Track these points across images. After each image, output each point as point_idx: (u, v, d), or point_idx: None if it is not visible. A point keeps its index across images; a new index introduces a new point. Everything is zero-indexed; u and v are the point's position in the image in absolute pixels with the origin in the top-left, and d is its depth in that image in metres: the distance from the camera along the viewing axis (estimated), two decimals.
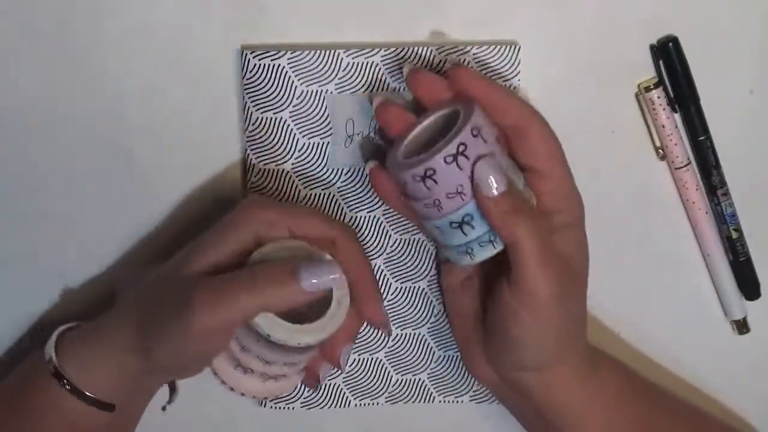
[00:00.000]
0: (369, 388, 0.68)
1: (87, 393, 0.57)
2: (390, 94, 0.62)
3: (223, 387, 0.58)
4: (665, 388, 0.66)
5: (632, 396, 0.62)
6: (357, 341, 0.66)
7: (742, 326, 0.69)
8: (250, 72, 0.62)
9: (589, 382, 0.60)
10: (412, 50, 0.62)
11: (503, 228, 0.54)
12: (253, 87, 0.62)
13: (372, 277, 0.60)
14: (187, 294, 0.54)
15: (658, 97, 0.64)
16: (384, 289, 0.66)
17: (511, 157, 0.57)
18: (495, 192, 0.54)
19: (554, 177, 0.57)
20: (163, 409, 0.64)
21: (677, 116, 0.65)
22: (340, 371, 0.65)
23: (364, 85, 0.62)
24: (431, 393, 0.68)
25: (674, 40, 0.63)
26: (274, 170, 0.63)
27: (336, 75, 0.62)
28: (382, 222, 0.65)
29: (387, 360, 0.67)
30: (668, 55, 0.64)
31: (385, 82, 0.62)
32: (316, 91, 0.62)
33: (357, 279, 0.58)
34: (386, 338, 0.67)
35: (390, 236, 0.65)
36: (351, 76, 0.62)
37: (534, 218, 0.55)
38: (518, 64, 0.63)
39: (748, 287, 0.68)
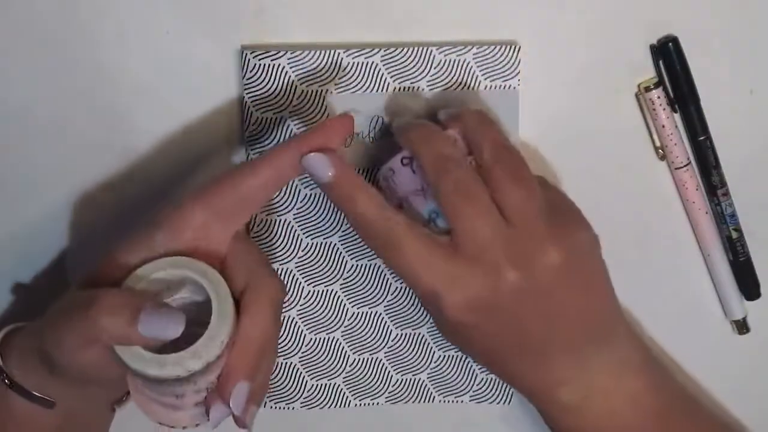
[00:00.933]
0: (369, 388, 0.68)
1: (30, 390, 0.57)
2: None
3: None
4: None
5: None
6: (358, 341, 0.67)
7: (742, 326, 0.69)
8: (250, 72, 0.62)
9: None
10: (412, 50, 0.62)
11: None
12: (253, 87, 0.62)
13: (253, 353, 0.54)
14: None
15: (658, 97, 0.64)
16: (384, 289, 0.66)
17: None
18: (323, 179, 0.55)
19: None
20: (113, 410, 0.62)
21: (677, 116, 0.65)
22: (237, 419, 0.55)
23: (364, 85, 0.62)
24: (431, 393, 0.68)
25: (674, 40, 0.63)
26: None
27: (336, 75, 0.62)
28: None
29: (387, 360, 0.67)
30: (668, 55, 0.64)
31: (385, 82, 0.62)
32: (316, 91, 0.62)
33: (240, 350, 0.54)
34: (386, 338, 0.67)
35: None
36: (351, 76, 0.62)
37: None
38: (518, 64, 0.63)
39: (748, 287, 0.68)
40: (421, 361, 0.67)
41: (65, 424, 0.59)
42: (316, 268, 0.65)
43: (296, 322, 0.66)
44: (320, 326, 0.66)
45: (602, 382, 0.59)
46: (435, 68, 0.62)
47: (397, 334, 0.67)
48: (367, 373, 0.67)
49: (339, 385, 0.67)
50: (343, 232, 0.65)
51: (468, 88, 0.63)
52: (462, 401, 0.68)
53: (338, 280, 0.66)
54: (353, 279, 0.66)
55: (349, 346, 0.67)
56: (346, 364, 0.67)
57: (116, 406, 0.62)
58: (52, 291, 0.63)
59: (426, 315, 0.66)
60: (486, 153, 0.57)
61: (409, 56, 0.62)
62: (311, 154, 0.55)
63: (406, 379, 0.68)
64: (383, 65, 0.62)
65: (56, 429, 0.58)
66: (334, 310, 0.66)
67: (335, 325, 0.66)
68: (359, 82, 0.62)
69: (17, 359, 0.58)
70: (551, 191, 0.60)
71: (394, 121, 0.61)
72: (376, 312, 0.66)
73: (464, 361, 0.67)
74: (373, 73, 0.62)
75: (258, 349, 0.54)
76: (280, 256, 0.65)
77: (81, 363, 0.54)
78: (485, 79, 0.63)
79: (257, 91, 0.62)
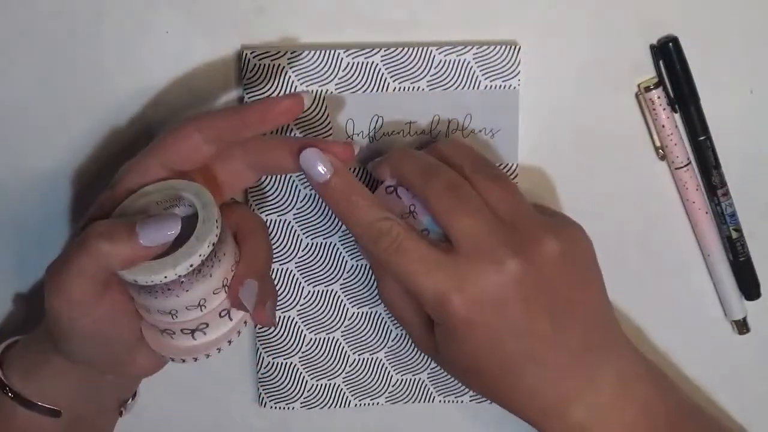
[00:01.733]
0: (369, 388, 0.68)
1: (33, 401, 0.57)
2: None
3: (175, 363, 0.56)
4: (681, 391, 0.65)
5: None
6: (358, 341, 0.67)
7: (742, 326, 0.69)
8: (250, 72, 0.62)
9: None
10: (412, 50, 0.62)
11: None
12: (253, 87, 0.62)
13: (264, 277, 0.57)
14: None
15: (658, 97, 0.64)
16: None
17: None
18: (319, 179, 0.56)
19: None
20: (120, 414, 0.63)
21: (677, 116, 0.65)
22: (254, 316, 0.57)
23: (364, 85, 0.62)
24: (431, 393, 0.68)
25: (674, 40, 0.63)
26: None
27: (336, 75, 0.62)
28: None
29: (387, 360, 0.67)
30: (668, 55, 0.64)
31: (385, 82, 0.62)
32: (316, 91, 0.62)
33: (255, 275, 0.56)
34: (386, 338, 0.67)
35: None
36: (351, 76, 0.62)
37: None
38: (518, 64, 0.63)
39: (748, 287, 0.68)
40: (421, 361, 0.67)
41: (71, 430, 0.59)
42: (316, 268, 0.65)
43: (296, 322, 0.66)
44: (320, 326, 0.66)
45: (611, 394, 0.57)
46: (435, 68, 0.62)
47: (397, 334, 0.67)
48: (367, 373, 0.67)
49: (339, 385, 0.67)
50: (343, 232, 0.65)
51: (468, 88, 0.63)
52: (462, 401, 0.68)
53: (338, 280, 0.66)
54: (353, 279, 0.66)
55: (349, 346, 0.67)
56: (346, 364, 0.67)
57: (123, 409, 0.62)
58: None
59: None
60: (467, 167, 0.58)
61: (409, 56, 0.62)
62: (309, 149, 0.55)
63: (406, 379, 0.68)
64: (383, 65, 0.62)
65: None
66: (334, 310, 0.66)
67: (335, 325, 0.66)
68: (359, 82, 0.62)
69: (20, 370, 0.58)
70: (535, 203, 0.61)
71: (369, 164, 0.61)
72: (376, 312, 0.66)
73: None
74: (373, 73, 0.62)
75: (262, 270, 0.56)
76: (280, 256, 0.65)
77: (92, 314, 0.53)
78: (485, 79, 0.63)
79: (257, 91, 0.62)
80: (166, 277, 0.53)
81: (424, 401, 0.68)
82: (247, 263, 0.56)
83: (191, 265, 0.53)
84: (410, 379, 0.68)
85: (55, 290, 0.53)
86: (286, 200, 0.64)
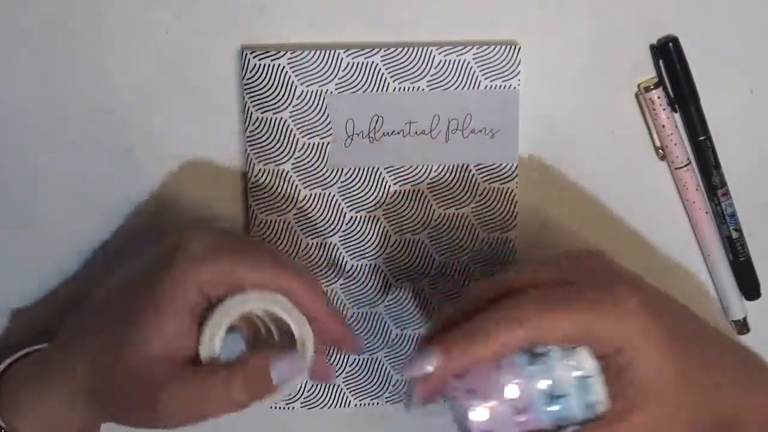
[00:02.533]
0: (369, 388, 0.68)
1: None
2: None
3: None
4: None
5: None
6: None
7: (742, 326, 0.69)
8: (250, 72, 0.62)
9: None
10: (412, 50, 0.62)
11: None
12: (253, 87, 0.62)
13: (333, 323, 0.58)
14: (153, 390, 0.53)
15: (658, 97, 0.64)
16: (384, 290, 0.66)
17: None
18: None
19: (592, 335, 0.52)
20: None
21: (677, 116, 0.65)
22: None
23: (364, 85, 0.62)
24: None
25: (674, 40, 0.63)
26: (274, 170, 0.63)
27: (336, 75, 0.62)
28: (382, 222, 0.65)
29: (387, 360, 0.67)
30: (668, 55, 0.64)
31: (385, 82, 0.62)
32: (316, 91, 0.62)
33: (319, 328, 0.57)
34: (386, 338, 0.67)
35: (390, 236, 0.65)
36: (351, 76, 0.62)
37: None
38: (518, 64, 0.63)
39: (748, 287, 0.68)
40: None
41: None
42: (316, 267, 0.65)
43: None
44: None
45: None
46: (435, 68, 0.62)
47: (397, 334, 0.67)
48: (367, 373, 0.67)
49: (339, 385, 0.67)
50: (343, 232, 0.65)
51: (468, 88, 0.63)
52: None
53: (338, 280, 0.66)
54: (353, 279, 0.66)
55: None
56: (346, 364, 0.67)
57: None
58: (56, 312, 0.63)
59: (426, 315, 0.66)
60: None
61: (409, 56, 0.62)
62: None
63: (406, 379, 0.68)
64: (383, 65, 0.62)
65: None
66: None
67: None
68: (359, 82, 0.62)
69: (13, 404, 0.56)
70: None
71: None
72: (376, 312, 0.66)
73: None
74: (373, 73, 0.62)
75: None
76: None
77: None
78: (485, 79, 0.63)
79: (257, 91, 0.62)
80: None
81: None
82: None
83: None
84: None
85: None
86: (286, 200, 0.64)
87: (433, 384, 0.53)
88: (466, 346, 0.51)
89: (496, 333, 0.51)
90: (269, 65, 0.61)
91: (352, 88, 0.62)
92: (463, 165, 0.64)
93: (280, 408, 0.67)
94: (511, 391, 0.51)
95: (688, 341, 0.54)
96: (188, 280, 0.53)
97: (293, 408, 0.67)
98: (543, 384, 0.51)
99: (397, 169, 0.64)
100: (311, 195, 0.64)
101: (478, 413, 0.51)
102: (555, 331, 0.51)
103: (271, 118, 0.62)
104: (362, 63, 0.62)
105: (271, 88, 0.62)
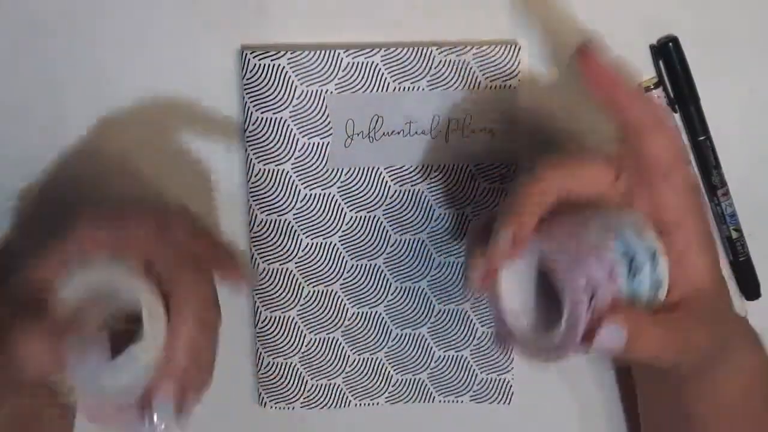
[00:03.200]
0: (369, 388, 0.68)
1: None
2: None
3: None
4: None
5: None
6: (358, 341, 0.67)
7: None
8: (250, 72, 0.62)
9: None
10: (412, 50, 0.62)
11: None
12: (253, 87, 0.62)
13: (217, 243, 0.56)
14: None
15: (658, 97, 0.64)
16: (384, 289, 0.66)
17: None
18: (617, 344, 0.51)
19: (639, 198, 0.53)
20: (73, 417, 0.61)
21: (677, 116, 0.65)
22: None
23: (364, 85, 0.62)
24: (431, 393, 0.68)
25: (674, 40, 0.63)
26: (274, 170, 0.63)
27: (336, 75, 0.62)
28: (382, 222, 0.65)
29: (387, 360, 0.67)
30: (668, 55, 0.64)
31: (385, 82, 0.62)
32: (316, 91, 0.62)
33: (203, 251, 0.55)
34: (386, 338, 0.67)
35: (390, 236, 0.65)
36: (351, 76, 0.62)
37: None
38: (518, 64, 0.63)
39: (748, 287, 0.68)
40: (421, 361, 0.67)
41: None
42: (316, 268, 0.65)
43: (296, 322, 0.66)
44: (320, 326, 0.66)
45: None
46: (435, 68, 0.62)
47: (397, 334, 0.67)
48: (367, 373, 0.67)
49: (339, 385, 0.67)
50: (343, 232, 0.65)
51: (468, 88, 0.63)
52: (462, 401, 0.68)
53: (338, 280, 0.66)
54: (353, 279, 0.66)
55: (349, 346, 0.67)
56: (346, 364, 0.67)
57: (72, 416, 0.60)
58: None
59: (426, 315, 0.66)
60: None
61: (409, 56, 0.62)
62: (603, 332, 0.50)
63: (406, 379, 0.68)
64: (383, 65, 0.62)
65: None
66: (334, 310, 0.66)
67: (335, 325, 0.66)
68: (359, 82, 0.62)
69: None
70: None
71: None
72: (376, 312, 0.66)
73: (464, 361, 0.67)
74: (373, 73, 0.62)
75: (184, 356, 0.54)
76: (280, 256, 0.65)
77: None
78: (485, 79, 0.63)
79: (257, 91, 0.62)
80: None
81: (424, 401, 0.68)
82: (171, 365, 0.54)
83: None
84: (410, 379, 0.68)
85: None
86: (286, 200, 0.64)
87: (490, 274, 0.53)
88: (516, 200, 0.52)
89: (542, 173, 0.52)
90: (269, 65, 0.61)
91: (352, 88, 0.62)
92: (463, 165, 0.64)
93: (280, 408, 0.67)
94: (599, 254, 0.51)
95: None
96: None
97: (293, 408, 0.67)
98: (624, 258, 0.51)
99: (397, 169, 0.64)
100: (311, 195, 0.64)
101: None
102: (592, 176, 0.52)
103: (271, 118, 0.62)
104: (362, 63, 0.62)
105: (271, 88, 0.62)
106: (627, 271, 0.52)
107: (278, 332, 0.66)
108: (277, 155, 0.63)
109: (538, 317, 0.54)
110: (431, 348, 0.67)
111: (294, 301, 0.66)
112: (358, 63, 0.62)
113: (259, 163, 0.63)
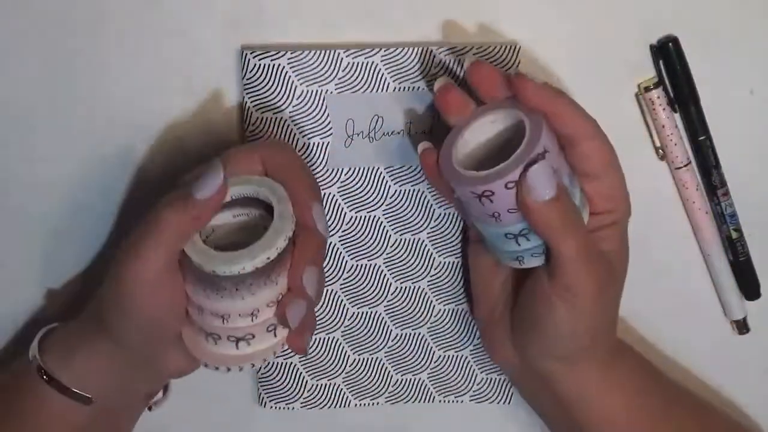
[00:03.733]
0: (369, 388, 0.68)
1: (68, 387, 0.58)
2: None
3: (208, 369, 0.57)
4: (681, 384, 0.66)
5: (651, 389, 0.62)
6: (358, 341, 0.67)
7: (742, 326, 0.69)
8: (250, 72, 0.62)
9: (612, 373, 0.61)
10: (412, 50, 0.62)
11: (552, 240, 0.55)
12: (253, 87, 0.62)
13: (306, 181, 0.57)
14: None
15: (658, 97, 0.64)
16: (384, 289, 0.66)
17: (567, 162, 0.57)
18: (545, 197, 0.54)
19: (606, 181, 0.58)
20: (149, 408, 0.63)
21: (677, 116, 0.65)
22: (308, 304, 0.57)
23: (364, 85, 0.62)
24: (431, 393, 0.68)
25: (674, 40, 0.63)
26: None
27: (336, 75, 0.62)
28: (382, 222, 0.65)
29: (387, 360, 0.67)
30: (668, 55, 0.64)
31: (385, 82, 0.62)
32: (316, 91, 0.62)
33: (291, 187, 0.57)
34: (386, 338, 0.67)
35: (390, 236, 0.65)
36: (351, 76, 0.62)
37: (581, 228, 0.56)
38: (518, 64, 0.63)
39: (748, 287, 0.68)
40: (421, 361, 0.67)
41: (96, 419, 0.59)
42: None
43: None
44: (320, 326, 0.66)
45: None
46: (435, 68, 0.62)
47: (397, 334, 0.67)
48: (367, 373, 0.67)
49: (339, 385, 0.67)
50: (342, 232, 0.65)
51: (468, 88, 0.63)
52: (462, 401, 0.68)
53: (338, 280, 0.66)
54: (353, 279, 0.66)
55: (349, 346, 0.67)
56: (346, 364, 0.67)
57: (152, 405, 0.63)
58: (84, 294, 0.64)
59: (426, 315, 0.66)
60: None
61: (409, 56, 0.62)
62: (538, 167, 0.54)
63: (406, 379, 0.68)
64: (383, 65, 0.62)
65: (88, 423, 0.59)
66: (334, 309, 0.66)
67: (335, 325, 0.66)
68: (359, 82, 0.62)
69: (57, 355, 0.59)
70: None
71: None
72: (376, 312, 0.66)
73: (464, 361, 0.67)
74: (373, 73, 0.62)
75: (313, 298, 0.56)
76: None
77: (156, 297, 0.55)
78: None
79: (257, 91, 0.62)
80: (244, 268, 0.53)
81: (424, 401, 0.68)
82: (299, 285, 0.56)
83: (268, 258, 0.54)
84: (410, 379, 0.68)
85: (131, 264, 0.54)
86: None
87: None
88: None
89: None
90: (269, 65, 0.61)
91: (352, 88, 0.62)
92: None
93: (280, 408, 0.67)
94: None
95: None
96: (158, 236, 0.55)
97: (293, 408, 0.67)
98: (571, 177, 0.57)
99: (397, 169, 0.64)
100: None
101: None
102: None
103: (271, 118, 0.62)
104: (362, 63, 0.62)
105: (271, 88, 0.62)
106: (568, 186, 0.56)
107: None
108: None
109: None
110: (431, 348, 0.67)
111: None
112: (358, 63, 0.62)
113: None
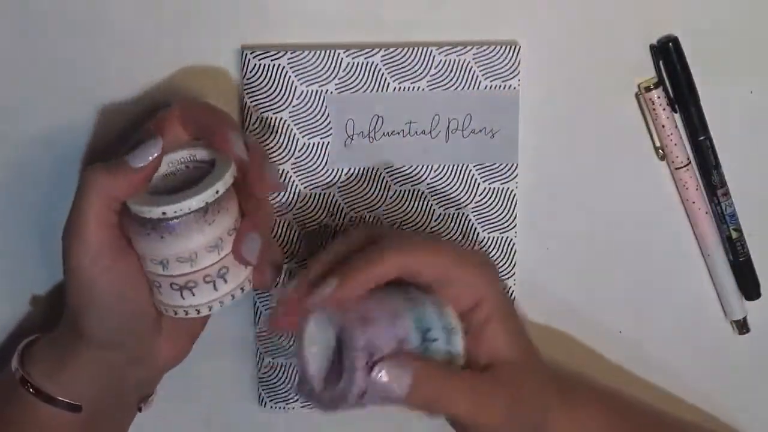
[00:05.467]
0: None
1: (54, 396, 0.58)
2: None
3: (196, 318, 0.57)
4: (644, 405, 0.66)
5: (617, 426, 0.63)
6: None
7: (742, 326, 0.69)
8: (250, 72, 0.62)
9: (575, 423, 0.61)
10: (412, 50, 0.62)
11: (442, 411, 0.58)
12: (253, 87, 0.62)
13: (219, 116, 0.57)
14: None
15: (658, 97, 0.64)
16: None
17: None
18: (400, 393, 0.56)
19: (457, 282, 0.57)
20: (140, 409, 0.63)
21: (677, 116, 0.65)
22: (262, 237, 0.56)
23: (364, 85, 0.62)
24: None
25: (674, 40, 0.63)
26: None
27: (336, 75, 0.62)
28: (382, 222, 0.65)
29: None
30: (668, 55, 0.64)
31: (385, 82, 0.62)
32: (316, 91, 0.62)
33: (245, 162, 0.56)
34: None
35: None
36: (351, 76, 0.62)
37: (458, 382, 0.56)
38: (518, 64, 0.63)
39: (748, 287, 0.68)
40: None
41: (87, 426, 0.59)
42: None
43: None
44: None
45: None
46: (435, 68, 0.62)
47: None
48: None
49: None
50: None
51: (468, 88, 0.63)
52: None
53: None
54: None
55: None
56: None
57: (142, 405, 0.62)
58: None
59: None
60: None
61: (409, 56, 0.62)
62: (384, 366, 0.54)
63: None
64: (383, 65, 0.62)
65: (78, 430, 0.59)
66: None
67: None
68: (359, 82, 0.62)
69: (42, 366, 0.58)
70: None
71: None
72: None
73: None
74: (373, 73, 0.62)
75: (265, 230, 0.56)
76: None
77: (110, 270, 0.55)
78: (485, 79, 0.63)
79: (257, 91, 0.62)
80: (189, 208, 0.53)
81: None
82: (251, 221, 0.56)
83: (217, 192, 0.54)
84: None
85: (73, 238, 0.55)
86: (287, 200, 0.64)
87: (294, 312, 0.55)
88: (360, 270, 0.54)
89: (388, 256, 0.55)
90: (269, 65, 0.61)
91: (352, 88, 0.62)
92: (463, 165, 0.64)
93: (280, 408, 0.67)
94: (393, 322, 0.54)
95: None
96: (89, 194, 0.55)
97: (293, 408, 0.67)
98: (417, 330, 0.55)
99: (397, 169, 0.64)
100: (311, 195, 0.64)
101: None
102: (427, 266, 0.56)
103: (271, 118, 0.62)
104: (362, 63, 0.62)
105: (271, 88, 0.62)
106: (420, 342, 0.55)
107: (278, 333, 0.66)
108: (277, 155, 0.63)
109: (332, 372, 0.56)
110: None
111: None
112: (358, 63, 0.62)
113: None
